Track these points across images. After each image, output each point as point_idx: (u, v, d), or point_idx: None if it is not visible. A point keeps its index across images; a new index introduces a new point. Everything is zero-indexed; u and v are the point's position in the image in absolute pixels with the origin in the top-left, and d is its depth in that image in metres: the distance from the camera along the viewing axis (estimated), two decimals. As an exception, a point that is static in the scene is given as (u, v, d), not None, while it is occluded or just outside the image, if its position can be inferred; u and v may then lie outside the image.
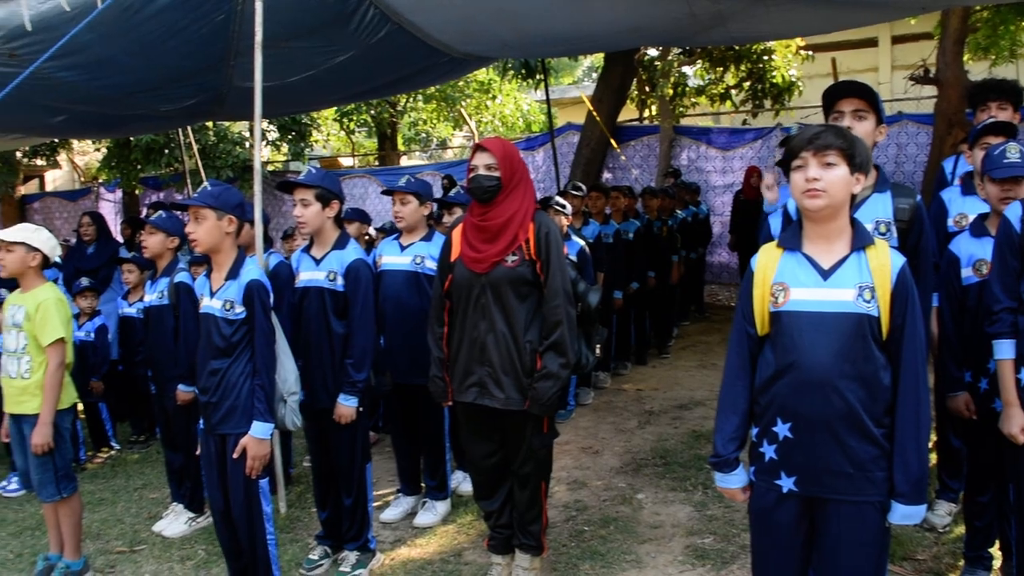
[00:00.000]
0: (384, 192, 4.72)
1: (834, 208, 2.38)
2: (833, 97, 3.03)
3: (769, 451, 2.50)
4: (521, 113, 15.49)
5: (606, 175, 11.43)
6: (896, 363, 2.38)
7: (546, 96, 9.58)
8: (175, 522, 4.73)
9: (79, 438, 5.87)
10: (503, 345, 3.43)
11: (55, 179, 19.41)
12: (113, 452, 6.21)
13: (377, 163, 15.98)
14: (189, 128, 10.50)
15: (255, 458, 3.36)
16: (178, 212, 4.80)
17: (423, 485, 4.80)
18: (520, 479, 3.62)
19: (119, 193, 13.98)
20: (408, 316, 4.36)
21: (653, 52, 11.67)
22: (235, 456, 3.35)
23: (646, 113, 12.61)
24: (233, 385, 3.37)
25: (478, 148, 3.48)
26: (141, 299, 6.27)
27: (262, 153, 14.81)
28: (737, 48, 11.29)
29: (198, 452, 3.64)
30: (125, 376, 6.36)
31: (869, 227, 2.70)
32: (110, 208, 14.23)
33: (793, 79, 11.42)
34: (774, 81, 11.40)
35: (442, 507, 4.65)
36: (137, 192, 13.47)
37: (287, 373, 3.53)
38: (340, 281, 3.83)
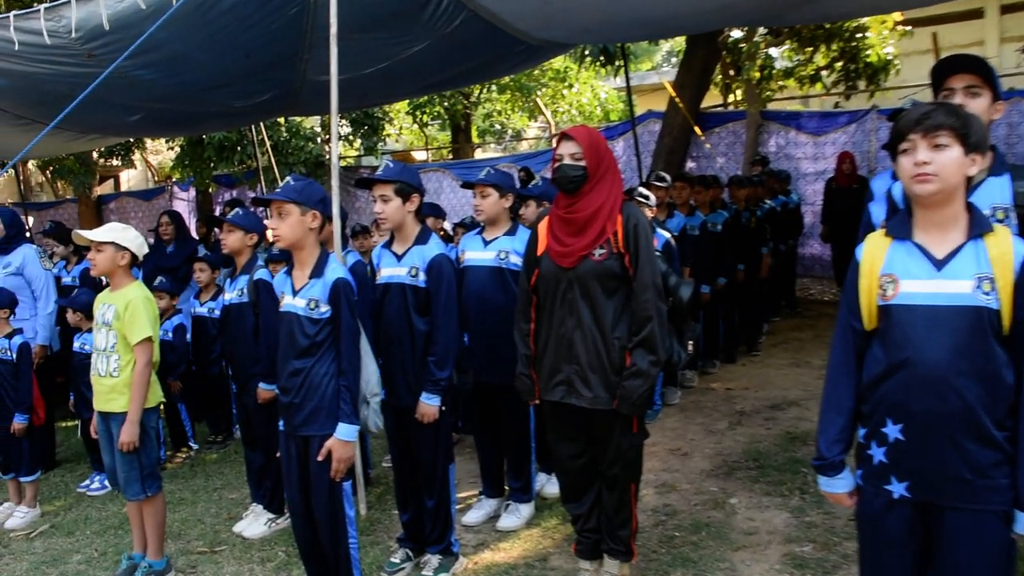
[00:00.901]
0: (464, 185, 4.74)
1: (947, 193, 2.29)
2: (943, 73, 2.89)
3: (878, 454, 2.41)
4: (598, 102, 15.41)
5: (689, 164, 11.27)
6: (1020, 360, 2.28)
7: (626, 83, 9.49)
8: (255, 523, 4.83)
9: (160, 437, 6.05)
10: (590, 342, 3.41)
11: (129, 179, 20.12)
12: (191, 452, 6.38)
13: (451, 156, 16.09)
14: (262, 125, 10.75)
15: (340, 461, 3.40)
16: (256, 209, 4.93)
17: (506, 487, 4.81)
18: (608, 481, 3.60)
19: (192, 191, 14.38)
20: (491, 313, 4.37)
21: (737, 34, 11.48)
22: (320, 459, 3.39)
23: (730, 98, 12.40)
24: (317, 386, 3.41)
25: (563, 137, 3.47)
26: (213, 298, 6.49)
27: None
28: (828, 26, 11.00)
29: (278, 454, 3.71)
30: (199, 376, 6.53)
31: (986, 213, 2.59)
32: (184, 206, 14.64)
33: (889, 57, 11.07)
34: (868, 60, 11.08)
35: (526, 510, 4.66)
36: (211, 190, 13.82)
37: (369, 374, 3.56)
38: (422, 277, 3.85)
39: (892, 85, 11.77)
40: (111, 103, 6.55)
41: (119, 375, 4.11)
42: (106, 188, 17.77)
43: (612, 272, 3.39)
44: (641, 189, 5.78)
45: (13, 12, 5.19)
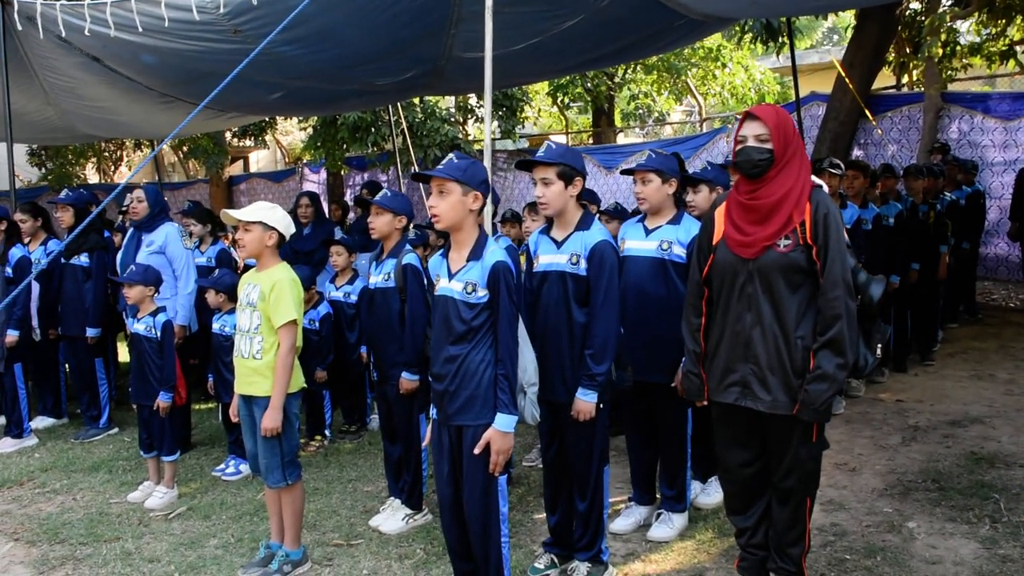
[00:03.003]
0: (624, 172, 4.68)
1: None
2: None
3: None
4: (753, 83, 15.04)
5: (856, 152, 10.88)
6: None
7: (791, 61, 9.21)
8: (392, 518, 4.93)
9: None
10: (771, 340, 3.32)
11: (258, 160, 20.94)
12: (325, 442, 6.57)
13: (591, 141, 15.98)
14: (398, 105, 10.97)
15: (499, 453, 3.42)
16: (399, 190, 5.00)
17: (657, 495, 4.75)
18: (781, 493, 3.50)
19: (323, 173, 14.82)
20: (651, 307, 4.32)
21: (916, 5, 10.99)
22: (477, 451, 3.43)
23: (905, 79, 11.90)
24: (473, 373, 3.44)
25: (748, 116, 3.38)
26: (349, 282, 6.66)
27: (469, 130, 15.30)
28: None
29: (425, 443, 3.76)
30: (335, 363, 6.70)
31: None
32: (315, 188, 15.10)
33: (1101, 28, 10.39)
34: (1077, 31, 10.42)
35: (679, 520, 4.59)
36: (342, 172, 14.20)
37: (527, 362, 3.56)
38: (583, 264, 3.83)
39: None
40: (253, 81, 6.81)
41: (262, 357, 4.25)
42: (235, 169, 18.55)
43: (798, 265, 3.29)
44: (813, 177, 5.59)
45: (165, -11, 5.45)
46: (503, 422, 3.42)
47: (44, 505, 5.58)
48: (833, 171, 6.29)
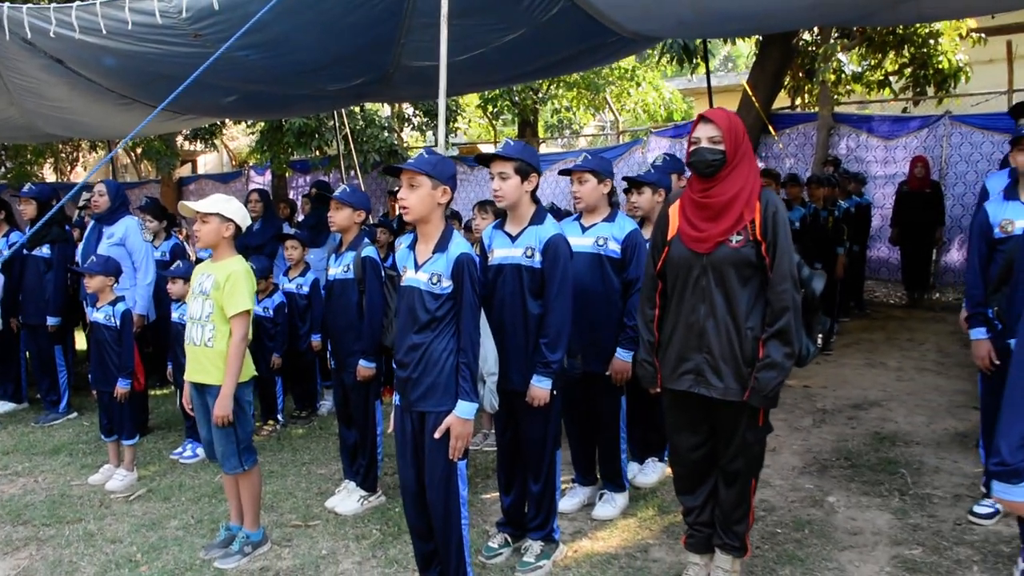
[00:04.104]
0: (562, 172, 4.47)
1: None
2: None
3: None
4: (663, 101, 15.05)
5: (758, 164, 10.90)
6: None
7: (707, 79, 9.14)
8: (347, 500, 4.63)
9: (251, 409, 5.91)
10: (723, 331, 3.14)
11: (206, 163, 20.18)
12: (277, 426, 6.21)
13: (515, 151, 15.66)
14: (343, 112, 10.61)
15: (459, 438, 3.18)
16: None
17: (597, 476, 4.56)
18: (728, 475, 3.33)
19: (268, 175, 14.30)
20: (587, 300, 4.08)
21: (808, 37, 11.07)
22: (437, 436, 3.17)
23: (799, 101, 12.00)
24: (436, 361, 3.18)
25: (701, 119, 3.20)
26: (301, 274, 6.34)
27: (405, 137, 14.96)
28: (901, 31, 10.58)
29: (390, 430, 3.50)
30: (288, 352, 6.36)
31: None
32: (260, 190, 14.55)
33: (961, 64, 10.62)
34: (940, 66, 10.63)
35: (621, 500, 4.40)
36: (287, 175, 13.73)
37: (487, 352, 3.32)
38: (538, 258, 3.61)
39: (962, 92, 11.30)
40: (210, 84, 6.40)
41: (213, 345, 3.92)
42: (185, 171, 17.81)
43: (748, 260, 3.12)
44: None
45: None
46: (463, 409, 3.18)
47: (6, 487, 5.15)
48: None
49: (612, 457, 4.40)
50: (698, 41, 9.60)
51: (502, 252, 3.72)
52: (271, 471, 5.27)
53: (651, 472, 4.77)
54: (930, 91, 10.94)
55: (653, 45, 8.58)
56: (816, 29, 10.66)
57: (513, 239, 3.70)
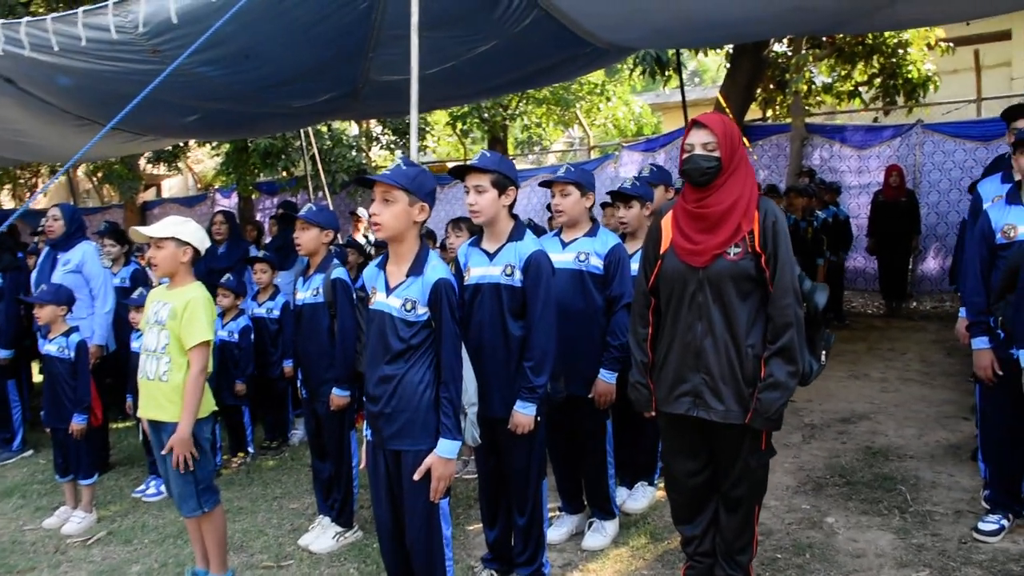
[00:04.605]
0: (542, 184, 4.23)
1: None
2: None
3: None
4: (632, 116, 14.94)
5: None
6: None
7: (680, 89, 9.03)
8: (322, 536, 4.36)
9: (218, 443, 5.61)
10: (723, 350, 2.93)
11: (171, 187, 19.76)
12: (248, 458, 5.91)
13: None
14: (310, 132, 10.36)
15: (441, 479, 2.92)
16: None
17: (585, 504, 4.32)
18: (730, 502, 3.12)
19: (235, 198, 13.96)
20: (571, 320, 3.80)
21: (779, 48, 11.02)
22: (416, 478, 2.91)
23: (769, 113, 11.94)
24: (411, 395, 2.93)
25: (695, 124, 3.00)
26: (271, 298, 6.07)
27: (373, 156, 14.70)
28: (870, 41, 10.57)
29: (363, 465, 3.24)
30: (257, 378, 6.08)
31: None
32: (226, 213, 14.20)
33: (929, 73, 10.62)
34: (909, 76, 10.63)
35: (611, 527, 4.17)
36: (253, 197, 13.40)
37: (467, 382, 3.06)
38: (518, 276, 3.36)
39: (931, 101, 11.30)
40: (170, 103, 6.14)
41: (168, 379, 3.61)
42: (149, 195, 17.37)
43: (747, 273, 2.92)
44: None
45: (82, 8, 4.77)
46: (445, 448, 2.92)
47: (-48, 536, 4.79)
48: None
49: (599, 483, 4.16)
50: (671, 53, 9.47)
51: (479, 271, 3.46)
52: (240, 507, 4.98)
53: (641, 497, 4.54)
54: (900, 101, 10.95)
55: (627, 56, 8.43)
56: (787, 40, 10.62)
57: (491, 256, 3.45)
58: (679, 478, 3.20)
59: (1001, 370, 3.78)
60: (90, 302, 5.70)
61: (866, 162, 10.31)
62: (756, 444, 3.03)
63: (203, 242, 3.78)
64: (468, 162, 3.42)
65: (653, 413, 3.16)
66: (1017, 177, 3.95)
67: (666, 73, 9.45)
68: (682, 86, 9.10)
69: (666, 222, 3.10)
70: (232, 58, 5.37)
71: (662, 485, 4.80)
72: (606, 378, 3.90)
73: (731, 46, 9.87)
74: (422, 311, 2.93)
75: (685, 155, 2.98)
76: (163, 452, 3.61)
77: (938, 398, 6.43)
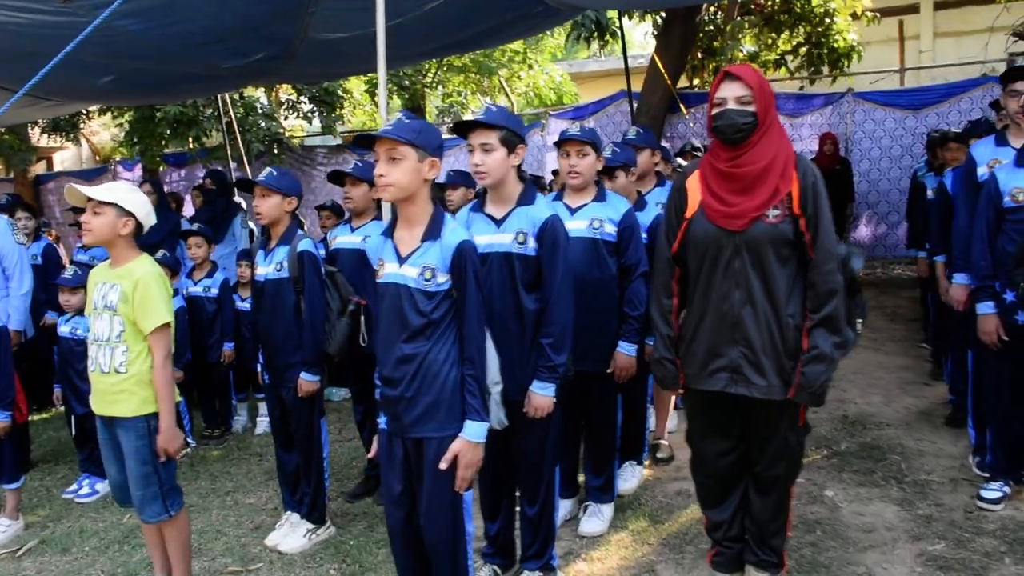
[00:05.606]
0: (557, 143, 3.83)
1: None
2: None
3: None
4: (553, 84, 14.69)
5: (664, 143, 10.67)
6: None
7: (623, 54, 8.81)
8: (292, 535, 3.99)
9: (186, 427, 5.16)
10: (763, 320, 2.72)
11: (63, 160, 18.47)
12: (189, 449, 5.44)
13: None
14: (227, 98, 9.73)
15: (468, 467, 2.63)
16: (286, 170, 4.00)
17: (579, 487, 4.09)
18: (765, 483, 2.93)
19: (139, 171, 13.06)
20: (585, 291, 3.51)
21: (707, 17, 10.93)
22: (443, 466, 2.61)
23: (697, 80, 11.85)
24: (435, 375, 2.61)
25: (726, 76, 2.74)
26: (209, 275, 5.60)
27: (287, 127, 14.01)
28: (797, 9, 10.57)
29: (371, 454, 2.91)
30: (195, 363, 5.60)
31: None
32: (129, 187, 13.29)
33: (854, 43, 10.75)
34: (835, 45, 10.72)
35: (608, 511, 3.94)
36: (161, 169, 12.54)
37: (489, 360, 2.77)
38: (532, 244, 3.04)
39: (856, 71, 11.43)
40: (82, 61, 5.51)
41: (126, 370, 3.19)
42: (40, 168, 16.16)
43: (786, 238, 2.71)
44: (679, 159, 5.12)
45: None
46: (473, 431, 2.63)
47: None
48: (696, 154, 5.90)
49: (604, 464, 3.93)
50: (613, 15, 9.23)
51: (485, 239, 3.11)
52: (191, 504, 4.51)
53: (631, 477, 4.33)
54: (825, 70, 11.03)
55: (578, 15, 8.14)
56: (716, 7, 10.53)
57: (498, 223, 3.12)
58: (709, 459, 2.99)
59: (1007, 335, 3.71)
60: (3, 283, 5.10)
61: (798, 130, 10.32)
62: (795, 420, 2.85)
63: (148, 217, 3.32)
64: (474, 117, 3.06)
65: (681, 391, 2.93)
66: (1006, 122, 3.90)
67: (605, 39, 9.22)
68: (624, 51, 8.90)
69: (692, 183, 2.85)
70: (157, 11, 4.83)
71: (648, 463, 4.63)
72: (626, 351, 3.65)
73: (663, 12, 9.69)
74: (443, 279, 2.61)
75: (717, 109, 2.73)
76: (161, 459, 3.23)
77: (893, 364, 6.45)
